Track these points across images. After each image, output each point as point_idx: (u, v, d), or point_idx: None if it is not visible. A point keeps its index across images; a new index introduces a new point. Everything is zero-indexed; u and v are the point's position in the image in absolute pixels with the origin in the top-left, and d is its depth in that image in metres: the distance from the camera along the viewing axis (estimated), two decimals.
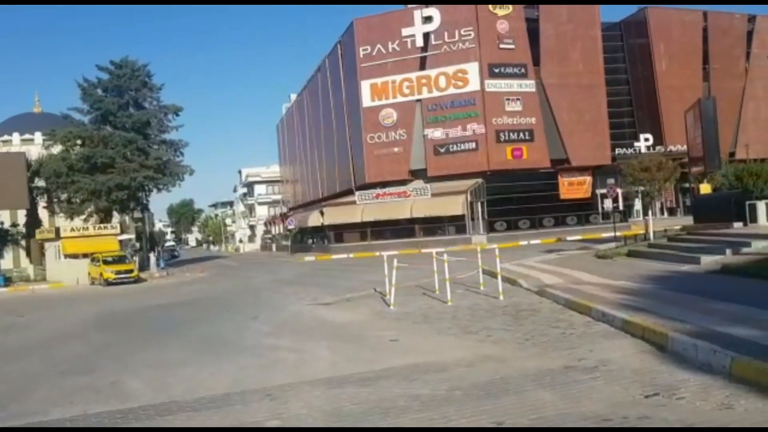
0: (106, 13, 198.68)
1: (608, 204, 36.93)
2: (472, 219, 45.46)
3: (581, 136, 46.84)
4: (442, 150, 46.10)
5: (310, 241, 57.78)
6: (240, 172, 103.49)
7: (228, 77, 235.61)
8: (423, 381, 7.40)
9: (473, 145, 45.52)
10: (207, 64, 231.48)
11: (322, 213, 50.79)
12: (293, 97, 71.23)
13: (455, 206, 44.35)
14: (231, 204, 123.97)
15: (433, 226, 46.17)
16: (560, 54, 46.94)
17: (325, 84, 55.08)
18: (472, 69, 45.31)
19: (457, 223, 45.41)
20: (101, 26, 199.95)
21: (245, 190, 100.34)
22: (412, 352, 9.23)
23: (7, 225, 44.91)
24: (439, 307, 13.63)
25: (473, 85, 45.36)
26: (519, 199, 46.28)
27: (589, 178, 48.13)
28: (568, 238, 40.59)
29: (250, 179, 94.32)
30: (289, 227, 59.35)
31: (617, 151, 49.69)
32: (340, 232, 49.52)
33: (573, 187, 47.77)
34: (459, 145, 45.78)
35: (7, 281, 36.51)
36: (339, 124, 52.57)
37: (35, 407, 7.65)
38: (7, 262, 43.07)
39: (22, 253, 47.63)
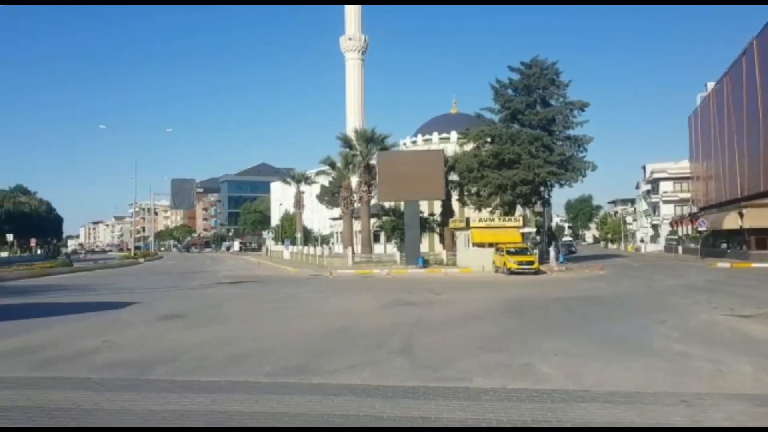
0: (519, 19, 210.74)
1: None
2: None
3: None
4: None
5: (724, 245, 51.89)
6: (644, 167, 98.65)
7: (635, 70, 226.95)
8: None
9: None
10: (614, 57, 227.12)
11: (741, 215, 45.11)
12: (710, 85, 64.68)
13: None
14: (632, 201, 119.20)
15: None
16: None
17: (752, 68, 48.52)
18: None
19: None
20: (514, 30, 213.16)
21: (649, 186, 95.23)
22: None
23: (426, 214, 51.62)
24: None
25: None
26: None
27: None
28: None
29: (656, 175, 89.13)
30: (700, 229, 54.26)
31: None
32: (762, 238, 43.26)
33: None
34: None
35: (425, 263, 41.61)
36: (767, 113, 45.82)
37: (461, 374, 8.69)
38: (424, 246, 49.47)
39: (436, 239, 54.17)
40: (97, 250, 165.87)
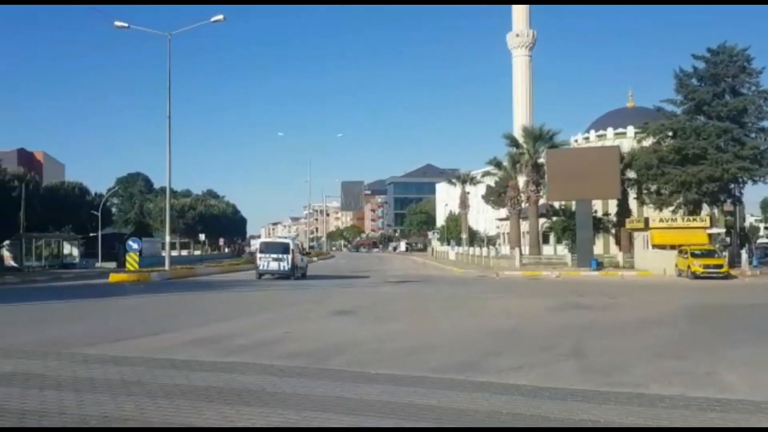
0: (698, 8, 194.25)
1: None
2: None
3: None
4: None
5: None
6: None
7: None
8: None
9: None
10: None
11: None
12: None
13: None
14: None
15: None
16: None
17: None
18: None
19: None
20: (694, 17, 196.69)
21: None
22: None
23: (599, 214, 49.24)
24: None
25: None
26: None
27: None
28: None
29: None
30: None
31: None
32: None
33: None
34: None
35: (599, 265, 39.72)
36: None
37: (635, 380, 8.27)
38: (597, 248, 47.17)
39: (611, 240, 51.48)
40: None
